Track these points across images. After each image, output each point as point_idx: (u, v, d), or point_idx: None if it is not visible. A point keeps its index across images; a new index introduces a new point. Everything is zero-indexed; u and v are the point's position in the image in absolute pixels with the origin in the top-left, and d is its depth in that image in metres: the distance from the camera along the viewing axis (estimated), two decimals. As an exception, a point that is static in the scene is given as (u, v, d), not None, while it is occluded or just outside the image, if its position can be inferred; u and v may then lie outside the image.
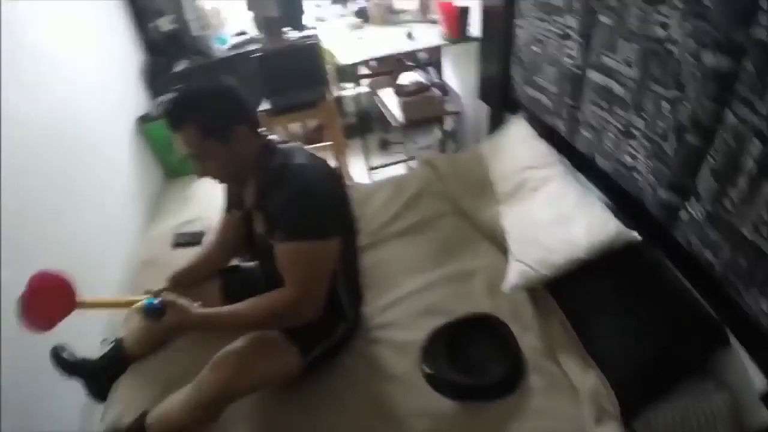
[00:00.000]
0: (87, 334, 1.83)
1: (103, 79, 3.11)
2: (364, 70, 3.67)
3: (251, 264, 1.77)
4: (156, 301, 1.32)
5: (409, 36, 3.24)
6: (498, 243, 1.95)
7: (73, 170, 2.51)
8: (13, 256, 1.82)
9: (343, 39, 3.48)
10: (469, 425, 1.43)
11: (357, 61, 3.24)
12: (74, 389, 1.71)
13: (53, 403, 1.94)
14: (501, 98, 2.65)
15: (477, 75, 2.91)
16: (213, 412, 1.39)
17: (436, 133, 3.68)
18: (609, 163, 1.79)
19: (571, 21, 1.84)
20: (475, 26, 2.93)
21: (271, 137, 1.49)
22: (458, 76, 3.48)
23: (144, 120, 3.52)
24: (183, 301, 1.33)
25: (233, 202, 1.64)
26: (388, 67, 3.52)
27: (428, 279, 1.89)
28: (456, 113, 3.26)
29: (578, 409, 1.40)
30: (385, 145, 3.99)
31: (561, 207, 1.82)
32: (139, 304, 1.32)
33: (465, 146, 3.42)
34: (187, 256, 1.74)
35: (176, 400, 1.40)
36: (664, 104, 1.43)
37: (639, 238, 1.59)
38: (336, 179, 1.50)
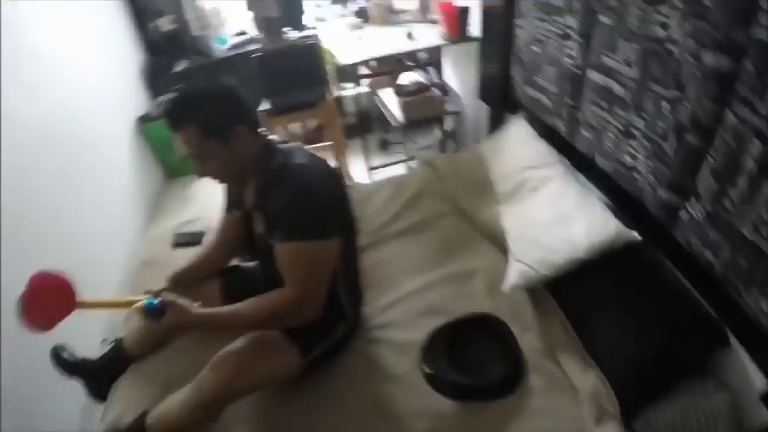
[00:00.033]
0: (87, 334, 1.83)
1: (103, 79, 3.11)
2: (364, 70, 3.66)
3: (251, 264, 1.77)
4: (156, 301, 1.31)
5: (409, 36, 3.24)
6: (498, 243, 1.95)
7: (73, 170, 2.51)
8: (13, 256, 1.82)
9: (343, 39, 3.48)
10: (469, 425, 1.43)
11: (357, 61, 3.23)
12: (74, 389, 1.71)
13: (53, 403, 1.94)
14: (501, 98, 2.65)
15: (477, 75, 2.91)
16: (213, 412, 1.39)
17: (436, 133, 3.68)
18: (609, 163, 1.79)
19: (571, 21, 1.84)
20: (475, 26, 2.93)
21: (271, 137, 1.49)
22: (458, 75, 3.48)
23: (144, 120, 3.52)
24: (183, 301, 1.33)
25: (233, 202, 1.64)
26: (388, 67, 3.52)
27: (428, 279, 1.89)
28: (456, 113, 3.26)
29: (578, 409, 1.40)
30: (385, 145, 3.99)
31: (561, 207, 1.82)
32: (139, 304, 1.32)
33: (465, 146, 3.42)
34: (187, 256, 1.74)
35: (176, 400, 1.40)
36: (664, 104, 1.43)
37: (639, 238, 1.59)
38: (336, 179, 1.50)
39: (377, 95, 3.32)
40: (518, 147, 2.24)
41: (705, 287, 1.43)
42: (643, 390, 1.33)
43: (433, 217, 2.20)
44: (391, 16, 3.67)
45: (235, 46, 3.88)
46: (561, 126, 2.10)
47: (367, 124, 4.01)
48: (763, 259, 1.17)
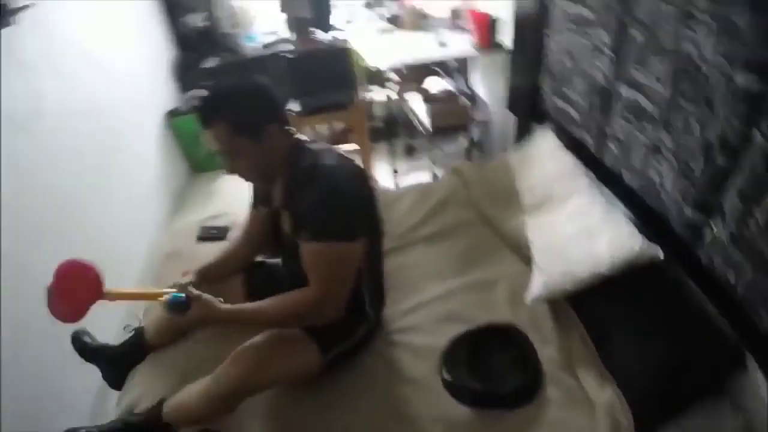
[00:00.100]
0: (107, 321, 1.84)
1: (135, 73, 3.18)
2: (392, 75, 3.68)
3: (276, 260, 1.79)
4: (182, 295, 1.32)
5: (442, 44, 3.22)
6: (522, 253, 1.95)
7: (104, 162, 2.59)
8: (46, 246, 1.88)
9: (372, 42, 3.48)
10: (483, 434, 1.43)
11: (387, 65, 3.23)
12: (90, 373, 1.74)
13: (67, 384, 1.99)
14: (529, 108, 2.65)
15: (505, 84, 2.91)
16: (231, 404, 1.41)
17: (462, 141, 3.68)
18: (636, 178, 1.79)
19: (603, 35, 1.84)
20: (505, 36, 2.93)
21: (300, 137, 1.50)
22: (486, 84, 3.47)
23: (173, 114, 3.58)
24: (208, 296, 1.35)
25: (260, 198, 1.66)
26: (416, 73, 3.52)
27: (450, 286, 1.90)
28: (484, 122, 3.26)
29: (594, 423, 1.40)
30: (410, 151, 3.99)
31: (587, 221, 1.81)
32: (165, 297, 1.33)
33: (491, 155, 3.42)
34: (212, 250, 1.76)
35: (194, 391, 1.43)
36: (693, 122, 1.43)
37: (662, 256, 1.58)
38: (364, 179, 1.50)
39: (405, 100, 3.33)
40: (546, 159, 2.24)
41: (726, 307, 1.42)
42: (659, 407, 1.33)
43: (458, 225, 2.21)
44: (422, 22, 3.65)
45: (266, 46, 3.90)
46: (588, 139, 2.09)
47: (393, 128, 4.02)
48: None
